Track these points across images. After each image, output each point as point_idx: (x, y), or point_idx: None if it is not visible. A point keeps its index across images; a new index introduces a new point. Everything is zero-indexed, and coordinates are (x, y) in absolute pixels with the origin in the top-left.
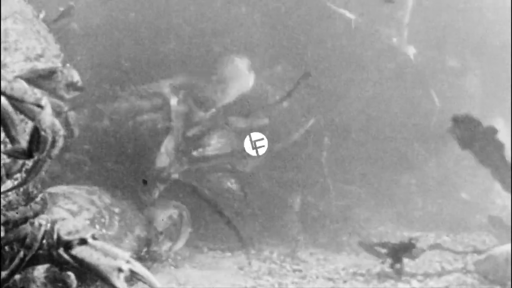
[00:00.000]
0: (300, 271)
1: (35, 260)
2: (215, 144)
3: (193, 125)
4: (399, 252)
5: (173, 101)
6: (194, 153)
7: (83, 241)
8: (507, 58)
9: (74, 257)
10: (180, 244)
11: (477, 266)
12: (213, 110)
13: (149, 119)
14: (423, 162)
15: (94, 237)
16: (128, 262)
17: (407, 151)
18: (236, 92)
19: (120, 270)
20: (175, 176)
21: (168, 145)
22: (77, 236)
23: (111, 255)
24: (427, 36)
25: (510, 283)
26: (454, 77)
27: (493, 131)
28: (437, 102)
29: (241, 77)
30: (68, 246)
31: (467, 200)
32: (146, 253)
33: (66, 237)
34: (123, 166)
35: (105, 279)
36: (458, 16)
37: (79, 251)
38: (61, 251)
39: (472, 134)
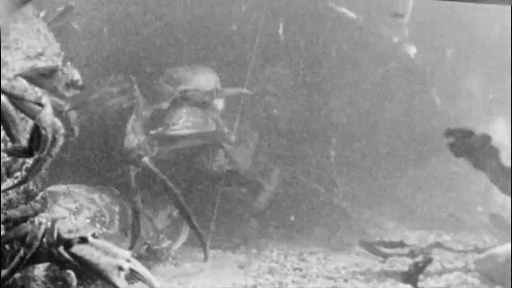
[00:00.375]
0: (300, 270)
1: (35, 259)
2: (184, 123)
3: (160, 101)
4: (414, 274)
5: (137, 87)
6: (160, 130)
7: (83, 240)
8: (507, 58)
9: (74, 256)
10: (180, 242)
11: (477, 265)
12: (182, 86)
13: (116, 102)
14: (423, 162)
15: (94, 236)
16: (128, 260)
17: (408, 150)
18: (204, 83)
19: (120, 268)
20: (146, 160)
21: (134, 124)
22: (77, 235)
23: (111, 254)
24: (427, 36)
25: (510, 282)
26: (454, 77)
27: (487, 139)
28: (438, 102)
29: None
30: (68, 244)
31: (468, 199)
32: (146, 251)
33: (66, 236)
34: (96, 153)
35: (105, 278)
36: (458, 16)
37: (79, 249)
38: (61, 249)
39: (466, 145)
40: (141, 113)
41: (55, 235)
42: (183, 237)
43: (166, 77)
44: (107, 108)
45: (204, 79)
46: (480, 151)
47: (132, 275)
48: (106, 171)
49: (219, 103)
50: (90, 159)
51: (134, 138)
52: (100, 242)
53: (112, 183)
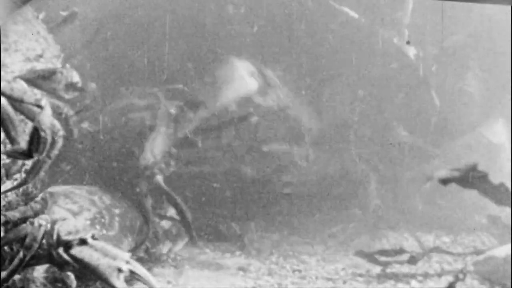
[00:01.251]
0: (299, 271)
1: (35, 260)
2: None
3: (183, 127)
4: None
5: (163, 101)
6: (182, 153)
7: (83, 241)
8: (507, 59)
9: (73, 257)
10: (180, 245)
11: (476, 267)
12: (204, 112)
13: (139, 116)
14: (423, 162)
15: (94, 238)
16: (127, 262)
17: (407, 151)
18: (233, 95)
19: (120, 270)
20: (159, 179)
21: (152, 143)
22: (77, 236)
23: (110, 256)
24: (427, 36)
25: (509, 283)
26: (454, 77)
27: (473, 167)
28: (437, 102)
29: (237, 79)
30: (67, 246)
31: (467, 201)
32: (146, 253)
33: (65, 237)
34: (112, 163)
35: (104, 280)
36: (458, 16)
37: (78, 251)
38: (60, 251)
39: (455, 179)
40: (163, 134)
41: (55, 236)
42: (183, 240)
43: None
44: (129, 119)
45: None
46: (467, 180)
47: (132, 277)
48: (120, 180)
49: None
50: (106, 167)
51: (150, 156)
52: (99, 243)
53: (125, 192)
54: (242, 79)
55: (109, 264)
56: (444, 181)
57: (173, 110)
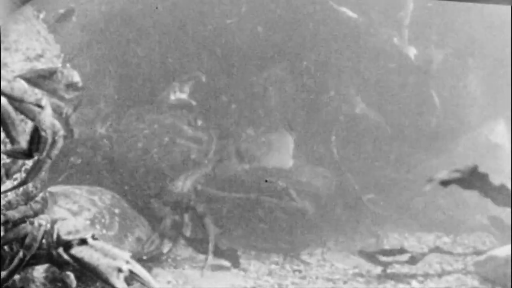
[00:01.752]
0: (300, 271)
1: (35, 260)
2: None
3: (222, 172)
4: None
5: (215, 141)
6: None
7: (83, 241)
8: (507, 59)
9: (73, 257)
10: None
11: (477, 267)
12: (247, 166)
13: (186, 145)
14: (422, 163)
15: (94, 238)
16: (127, 262)
17: (407, 151)
18: (273, 162)
19: (120, 270)
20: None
21: (189, 177)
22: (77, 236)
23: (110, 256)
24: (427, 37)
25: (510, 284)
26: (454, 78)
27: (473, 168)
28: (437, 103)
29: (284, 155)
30: (67, 246)
31: (467, 201)
32: (146, 254)
33: (65, 237)
34: (137, 176)
35: (104, 279)
36: (458, 16)
37: (78, 251)
38: (60, 250)
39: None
40: (202, 170)
41: (55, 236)
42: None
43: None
44: (175, 143)
45: (279, 156)
46: (468, 181)
47: (132, 277)
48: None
49: None
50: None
51: (180, 185)
52: (99, 243)
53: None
54: (287, 154)
55: (109, 264)
56: (445, 183)
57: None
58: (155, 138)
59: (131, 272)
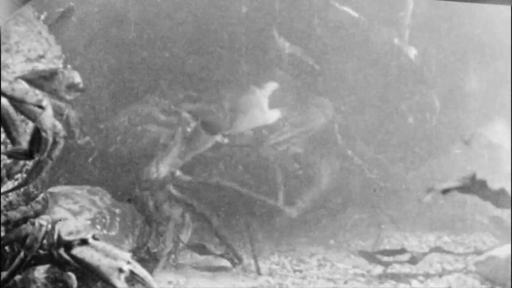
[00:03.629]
0: (300, 271)
1: (36, 261)
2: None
3: (196, 148)
4: None
5: (184, 121)
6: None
7: (83, 242)
8: (507, 59)
9: (74, 257)
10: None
11: (477, 267)
12: (217, 137)
13: (156, 131)
14: (423, 163)
15: (95, 238)
16: (128, 263)
17: (407, 151)
18: (248, 124)
19: (120, 270)
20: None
21: (161, 160)
22: (78, 237)
23: (111, 256)
24: (427, 37)
25: (510, 283)
26: (454, 78)
27: (472, 177)
28: (437, 103)
29: (256, 110)
30: (68, 246)
31: (468, 201)
32: (146, 254)
33: (67, 238)
34: (118, 168)
35: (105, 280)
36: (458, 16)
37: (79, 251)
38: (61, 251)
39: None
40: (174, 153)
41: (55, 236)
42: (185, 240)
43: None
44: (145, 130)
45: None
46: (467, 188)
47: (132, 277)
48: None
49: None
50: (110, 170)
51: (154, 171)
52: (100, 244)
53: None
54: (261, 110)
55: (110, 264)
56: (445, 191)
57: (189, 129)
58: (132, 128)
59: (132, 272)
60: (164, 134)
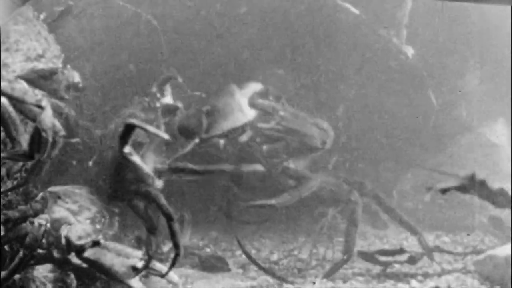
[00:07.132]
0: (300, 271)
1: (35, 260)
2: None
3: (174, 152)
4: None
5: (161, 120)
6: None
7: (95, 243)
8: (507, 59)
9: (87, 260)
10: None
11: (477, 266)
12: (196, 140)
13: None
14: (421, 163)
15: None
16: (141, 260)
17: (405, 151)
18: (226, 127)
19: (134, 268)
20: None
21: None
22: (89, 239)
23: (124, 255)
24: (425, 37)
25: (510, 283)
26: (453, 78)
27: (471, 177)
28: (435, 103)
29: (237, 112)
30: (80, 250)
31: (467, 200)
32: (145, 253)
33: (78, 242)
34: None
35: (119, 279)
36: (458, 16)
37: (92, 253)
38: (71, 256)
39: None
40: (151, 154)
41: (64, 242)
42: (184, 239)
43: None
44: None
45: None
46: (466, 188)
47: (148, 272)
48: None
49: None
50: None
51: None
52: (111, 243)
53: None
54: (240, 111)
55: (123, 263)
56: (444, 191)
57: (166, 136)
58: (116, 129)
59: (146, 267)
60: (141, 133)
